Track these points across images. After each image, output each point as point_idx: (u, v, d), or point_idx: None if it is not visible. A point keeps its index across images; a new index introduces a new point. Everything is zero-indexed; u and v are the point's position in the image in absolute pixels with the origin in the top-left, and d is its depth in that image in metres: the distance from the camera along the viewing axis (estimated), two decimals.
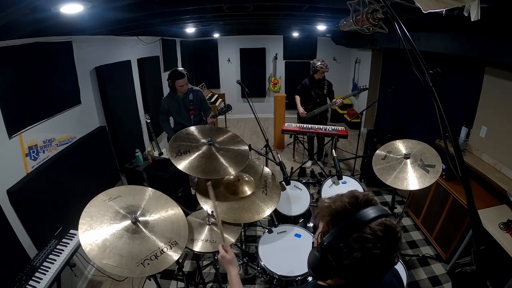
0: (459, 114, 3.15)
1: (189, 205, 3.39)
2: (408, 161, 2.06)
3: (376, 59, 5.73)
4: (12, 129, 1.93)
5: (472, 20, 1.19)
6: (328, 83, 4.18)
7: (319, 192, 2.59)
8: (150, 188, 1.61)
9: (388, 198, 3.69)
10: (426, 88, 0.79)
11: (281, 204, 2.32)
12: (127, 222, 1.37)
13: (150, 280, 1.74)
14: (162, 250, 1.35)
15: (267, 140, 2.91)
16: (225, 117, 6.97)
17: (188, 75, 3.22)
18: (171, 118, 3.48)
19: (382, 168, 2.11)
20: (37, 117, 2.19)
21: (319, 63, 3.97)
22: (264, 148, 3.08)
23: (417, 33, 2.96)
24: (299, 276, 1.74)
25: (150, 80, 4.42)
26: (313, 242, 0.85)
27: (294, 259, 1.86)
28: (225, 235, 1.78)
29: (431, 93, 0.77)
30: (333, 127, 4.19)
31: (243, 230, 2.34)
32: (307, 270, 1.73)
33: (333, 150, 2.93)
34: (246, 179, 2.07)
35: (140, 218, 1.41)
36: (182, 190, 3.31)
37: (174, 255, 1.37)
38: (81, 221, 1.28)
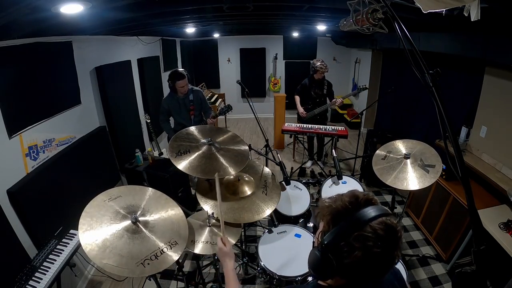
0: (459, 114, 3.15)
1: (189, 205, 3.39)
2: (408, 161, 2.06)
3: (376, 59, 5.73)
4: (12, 129, 1.93)
5: (472, 20, 1.19)
6: (328, 83, 4.18)
7: (319, 192, 2.59)
8: (150, 188, 1.61)
9: (388, 198, 3.69)
10: (426, 88, 0.79)
11: (281, 204, 2.32)
12: (127, 222, 1.37)
13: (150, 280, 1.74)
14: (162, 250, 1.35)
15: (267, 140, 2.92)
16: (225, 117, 6.97)
17: (189, 76, 3.22)
18: (171, 119, 3.48)
19: (382, 168, 2.11)
20: (37, 117, 2.19)
21: (318, 63, 3.97)
22: (264, 148, 3.08)
23: (417, 33, 2.96)
24: (299, 276, 1.74)
25: (150, 80, 4.43)
26: (313, 242, 0.85)
27: (294, 259, 1.86)
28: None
29: (431, 93, 0.77)
30: (333, 127, 4.19)
31: (243, 230, 2.34)
32: (307, 270, 1.73)
33: (333, 150, 2.93)
34: (246, 179, 2.07)
35: (140, 218, 1.41)
36: (182, 190, 3.31)
37: (174, 255, 1.36)
38: (81, 221, 1.28)
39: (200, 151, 1.86)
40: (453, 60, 3.22)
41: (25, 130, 2.05)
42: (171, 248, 1.38)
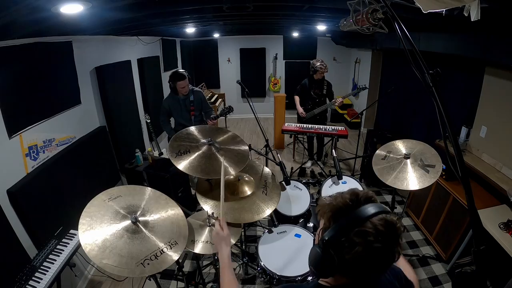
0: (459, 114, 3.15)
1: (189, 205, 3.39)
2: (408, 161, 2.06)
3: (376, 59, 5.74)
4: (12, 129, 1.93)
5: (472, 20, 1.19)
6: (327, 84, 4.18)
7: (319, 192, 2.59)
8: (150, 188, 1.61)
9: (388, 198, 3.69)
10: (426, 88, 0.79)
11: (281, 204, 2.31)
12: (127, 222, 1.37)
13: (150, 280, 1.74)
14: (162, 250, 1.35)
15: (267, 140, 2.91)
16: (225, 118, 6.96)
17: (189, 77, 3.22)
18: (171, 119, 3.48)
19: (382, 168, 2.11)
20: (37, 117, 2.19)
21: (318, 64, 3.97)
22: (264, 148, 3.08)
23: (417, 33, 2.96)
24: (299, 276, 1.74)
25: (150, 80, 4.43)
26: (313, 240, 0.85)
27: (294, 259, 1.86)
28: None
29: (431, 93, 0.77)
30: (333, 127, 4.19)
31: (243, 230, 2.34)
32: (307, 270, 1.73)
33: (333, 150, 2.93)
34: (246, 179, 2.07)
35: (140, 218, 1.41)
36: (182, 190, 3.31)
37: (174, 255, 1.37)
38: (81, 221, 1.28)
39: (200, 151, 1.86)
40: (453, 60, 3.22)
41: (25, 130, 2.05)
42: (171, 248, 1.38)
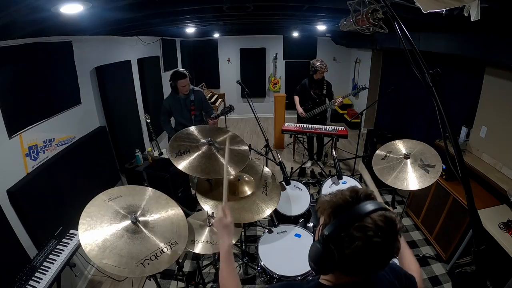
0: (459, 114, 3.15)
1: (189, 205, 3.39)
2: (408, 161, 2.06)
3: (376, 59, 5.73)
4: (12, 129, 1.93)
5: (472, 20, 1.19)
6: (327, 83, 4.17)
7: (319, 192, 2.59)
8: (150, 188, 1.61)
9: (388, 198, 3.68)
10: (426, 88, 0.79)
11: (281, 204, 2.32)
12: (127, 222, 1.37)
13: (150, 280, 1.74)
14: (162, 250, 1.35)
15: (267, 140, 2.91)
16: (225, 117, 6.97)
17: (190, 76, 3.23)
18: (172, 119, 3.49)
19: (382, 168, 2.11)
20: (37, 117, 2.19)
21: (318, 63, 3.97)
22: (264, 148, 3.08)
23: (417, 33, 2.96)
24: (299, 276, 1.74)
25: (150, 80, 4.43)
26: (313, 237, 0.85)
27: (294, 259, 1.86)
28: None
29: (431, 93, 0.77)
30: (333, 127, 4.19)
31: (243, 230, 2.34)
32: (307, 270, 1.73)
33: (333, 150, 2.93)
34: (246, 179, 2.07)
35: (140, 218, 1.42)
36: (182, 190, 3.31)
37: (174, 255, 1.37)
38: (81, 221, 1.28)
39: (200, 151, 1.86)
40: (453, 60, 3.22)
41: (25, 130, 2.05)
42: (171, 248, 1.38)
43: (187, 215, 1.69)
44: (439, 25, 2.43)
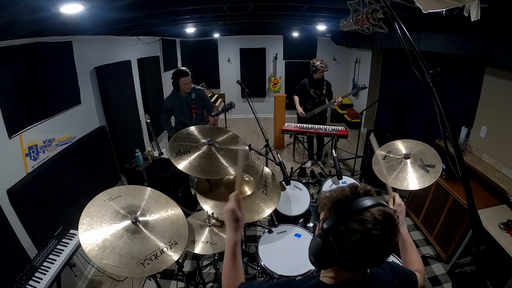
0: (459, 114, 3.15)
1: (189, 205, 3.39)
2: (408, 161, 2.06)
3: (376, 59, 5.73)
4: (12, 129, 1.93)
5: (472, 20, 1.19)
6: (327, 83, 4.17)
7: (319, 192, 2.59)
8: (150, 188, 1.61)
9: (388, 198, 3.68)
10: (426, 88, 0.79)
11: (281, 204, 2.32)
12: (127, 222, 1.37)
13: (150, 280, 1.74)
14: (162, 250, 1.35)
15: (267, 140, 2.92)
16: (225, 117, 6.97)
17: (192, 75, 3.24)
18: (172, 118, 3.49)
19: (382, 168, 2.11)
20: (37, 117, 2.19)
21: (318, 63, 3.97)
22: (264, 148, 3.08)
23: (417, 33, 2.96)
24: (299, 276, 1.74)
25: (150, 80, 4.42)
26: (313, 233, 0.86)
27: (294, 259, 1.86)
28: (225, 236, 1.78)
29: (431, 93, 0.77)
30: (333, 127, 4.19)
31: (243, 230, 2.34)
32: (307, 270, 1.74)
33: (333, 150, 2.93)
34: (246, 179, 2.07)
35: (140, 218, 1.42)
36: (182, 190, 3.31)
37: (174, 255, 1.37)
38: (81, 221, 1.28)
39: (200, 151, 1.86)
40: (453, 60, 3.22)
41: (25, 130, 2.05)
42: (171, 248, 1.38)
43: (187, 215, 1.69)
44: (439, 25, 2.43)
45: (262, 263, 1.85)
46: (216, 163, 1.82)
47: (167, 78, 5.17)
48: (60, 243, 1.92)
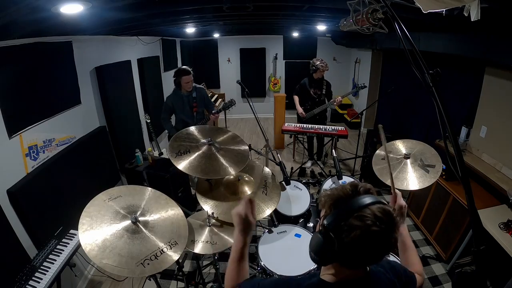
0: (459, 114, 3.15)
1: (189, 205, 3.39)
2: (408, 161, 2.06)
3: (376, 59, 5.73)
4: (12, 129, 1.93)
5: (472, 20, 1.19)
6: (326, 83, 4.17)
7: (319, 192, 2.59)
8: (150, 188, 1.61)
9: (388, 198, 3.67)
10: (426, 88, 0.79)
11: (281, 204, 2.32)
12: (127, 222, 1.37)
13: (150, 280, 1.74)
14: (162, 250, 1.35)
15: (267, 140, 2.91)
16: (225, 117, 6.97)
17: (193, 74, 3.27)
18: (172, 117, 3.50)
19: (382, 168, 2.11)
20: (37, 117, 2.19)
21: (318, 62, 3.97)
22: (264, 148, 3.08)
23: (417, 33, 2.96)
24: (299, 276, 1.74)
25: (150, 80, 4.42)
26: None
27: (294, 259, 1.86)
28: (225, 236, 1.79)
29: (431, 93, 0.77)
30: (333, 127, 4.19)
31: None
32: (307, 270, 1.74)
33: (333, 150, 2.93)
34: (246, 179, 2.07)
35: (140, 218, 1.42)
36: (182, 190, 3.31)
37: (174, 255, 1.37)
38: (81, 221, 1.28)
39: (200, 151, 1.86)
40: (453, 60, 3.22)
41: (25, 130, 2.05)
42: (171, 248, 1.38)
43: (187, 215, 1.69)
44: (439, 25, 2.43)
45: (262, 263, 1.85)
46: (216, 163, 1.82)
47: (167, 78, 5.18)
48: (60, 243, 1.92)
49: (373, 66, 5.80)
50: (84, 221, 1.29)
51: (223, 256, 2.70)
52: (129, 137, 3.65)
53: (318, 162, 4.62)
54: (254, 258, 2.60)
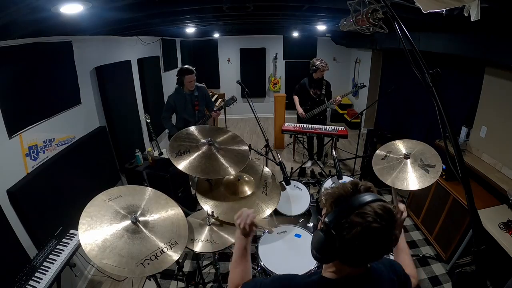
0: (459, 114, 3.15)
1: (189, 205, 3.39)
2: (408, 161, 2.06)
3: (376, 59, 5.73)
4: (12, 129, 1.93)
5: (472, 20, 1.19)
6: (326, 83, 4.17)
7: (319, 192, 2.59)
8: (150, 188, 1.61)
9: (388, 198, 3.68)
10: (426, 88, 0.79)
11: (281, 204, 2.31)
12: (127, 222, 1.37)
13: (150, 280, 1.74)
14: (162, 250, 1.35)
15: (267, 140, 2.91)
16: (225, 117, 6.97)
17: (196, 73, 3.30)
18: (172, 117, 3.51)
19: (382, 168, 2.11)
20: (37, 117, 2.19)
21: (318, 62, 3.97)
22: (264, 148, 3.08)
23: (417, 33, 2.96)
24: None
25: (150, 80, 4.42)
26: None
27: (294, 259, 1.86)
28: (225, 235, 1.79)
29: (431, 93, 0.77)
30: (333, 127, 4.19)
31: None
32: (307, 270, 1.73)
33: (333, 150, 2.93)
34: (246, 179, 2.07)
35: (140, 218, 1.42)
36: (182, 190, 3.31)
37: (174, 255, 1.37)
38: (81, 221, 1.28)
39: (200, 151, 1.86)
40: (453, 60, 3.22)
41: (25, 130, 2.05)
42: (171, 248, 1.38)
43: (187, 215, 1.69)
44: (439, 25, 2.43)
45: (262, 263, 1.85)
46: (216, 163, 1.82)
47: (167, 78, 5.18)
48: (60, 243, 1.92)
49: (373, 66, 5.80)
50: (84, 221, 1.29)
51: (223, 256, 2.70)
52: (129, 137, 3.65)
53: (318, 162, 4.62)
54: (254, 258, 2.59)
